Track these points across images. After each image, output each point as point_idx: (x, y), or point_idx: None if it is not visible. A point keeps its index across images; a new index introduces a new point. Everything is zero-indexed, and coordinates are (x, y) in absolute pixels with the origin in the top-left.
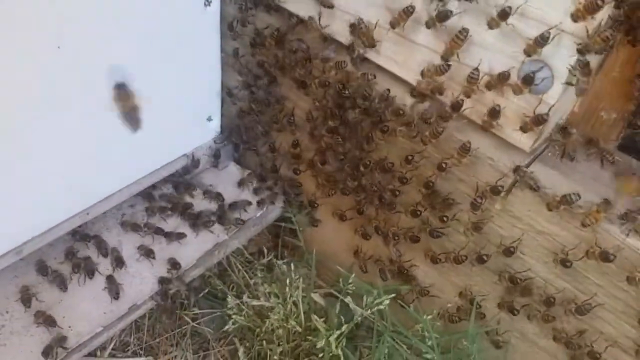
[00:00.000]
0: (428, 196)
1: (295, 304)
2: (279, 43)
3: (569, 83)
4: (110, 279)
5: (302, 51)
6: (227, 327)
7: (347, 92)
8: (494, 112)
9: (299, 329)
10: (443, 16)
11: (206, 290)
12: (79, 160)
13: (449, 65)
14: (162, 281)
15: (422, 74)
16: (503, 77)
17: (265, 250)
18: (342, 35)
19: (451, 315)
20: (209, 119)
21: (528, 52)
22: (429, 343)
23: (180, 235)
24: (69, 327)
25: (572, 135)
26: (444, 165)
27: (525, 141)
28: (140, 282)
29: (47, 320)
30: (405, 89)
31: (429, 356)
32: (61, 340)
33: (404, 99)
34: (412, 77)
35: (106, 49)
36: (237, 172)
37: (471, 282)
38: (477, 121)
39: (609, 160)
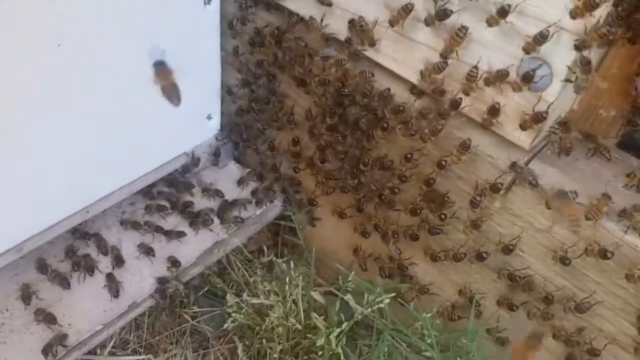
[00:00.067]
0: (426, 194)
1: (295, 302)
2: (278, 42)
3: (568, 80)
4: (110, 277)
5: (301, 49)
6: (226, 325)
7: (346, 89)
8: (494, 110)
9: (298, 327)
10: (442, 15)
11: (206, 289)
12: (79, 159)
13: (446, 63)
14: (160, 281)
15: (422, 73)
16: (502, 75)
17: (265, 249)
18: (342, 33)
19: (450, 313)
20: (209, 118)
21: (527, 50)
22: (429, 341)
23: (180, 234)
24: (69, 325)
25: (572, 131)
26: (443, 163)
27: (524, 139)
28: (140, 280)
29: (47, 317)
30: (404, 86)
31: (428, 354)
32: (61, 338)
33: (404, 97)
34: (412, 75)
35: (106, 49)
36: (237, 171)
37: (470, 280)
38: (477, 119)
39: (606, 157)
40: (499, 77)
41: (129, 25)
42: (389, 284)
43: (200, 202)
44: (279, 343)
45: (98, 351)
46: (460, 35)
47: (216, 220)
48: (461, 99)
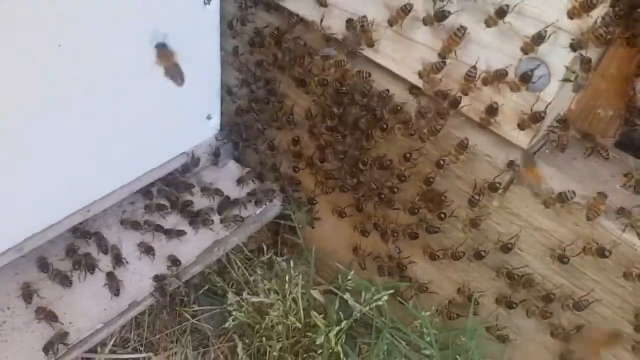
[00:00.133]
0: (424, 194)
1: (294, 300)
2: (278, 42)
3: (566, 80)
4: (110, 275)
5: (300, 49)
6: (226, 323)
7: (344, 89)
8: (492, 109)
9: (298, 325)
10: (440, 16)
11: (206, 287)
12: (79, 159)
13: (444, 63)
14: (158, 278)
15: (420, 74)
16: (501, 75)
17: (265, 248)
18: (342, 33)
19: (449, 311)
20: (209, 118)
21: (525, 50)
22: (428, 339)
23: (180, 233)
24: (70, 323)
25: (571, 129)
26: (442, 163)
27: (522, 138)
28: (140, 278)
29: (48, 315)
30: (403, 86)
31: (427, 352)
32: (62, 336)
33: (402, 97)
34: (410, 75)
35: (106, 49)
36: (237, 170)
37: (469, 278)
38: (475, 118)
39: (603, 157)
40: (497, 77)
41: (129, 26)
42: (387, 282)
43: (200, 202)
44: (279, 341)
45: (98, 349)
46: (458, 35)
47: (216, 220)
48: (460, 97)
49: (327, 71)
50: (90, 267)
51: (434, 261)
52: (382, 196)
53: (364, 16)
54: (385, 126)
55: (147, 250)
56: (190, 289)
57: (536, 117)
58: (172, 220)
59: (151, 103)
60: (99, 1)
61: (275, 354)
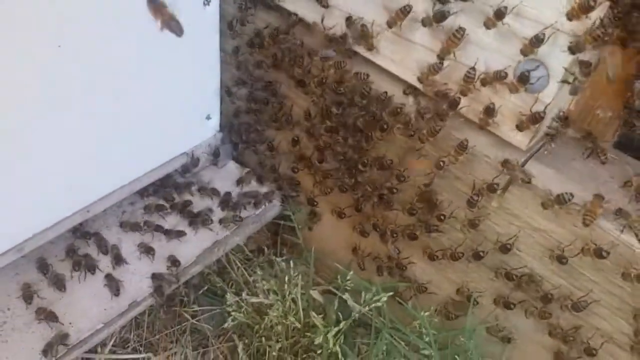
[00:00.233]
0: (422, 195)
1: (294, 301)
2: (278, 43)
3: (564, 81)
4: (110, 276)
5: (300, 50)
6: (226, 324)
7: (341, 89)
8: (489, 110)
9: (297, 325)
10: (440, 16)
11: (205, 288)
12: (79, 159)
13: (442, 64)
14: (154, 277)
15: (419, 79)
16: (499, 76)
17: (265, 248)
18: (341, 32)
19: (448, 311)
20: (208, 118)
21: (524, 53)
22: (427, 339)
23: (180, 233)
24: (70, 323)
25: (570, 128)
26: (441, 164)
27: (521, 139)
28: (140, 279)
29: (48, 316)
30: (402, 87)
31: (426, 352)
32: (62, 337)
33: (402, 98)
34: (409, 76)
35: (106, 49)
36: (236, 170)
37: (468, 279)
38: (474, 119)
39: (601, 160)
40: (496, 78)
41: (129, 26)
42: (386, 282)
43: (200, 202)
44: (278, 341)
45: (98, 349)
46: (457, 36)
47: (216, 220)
48: (460, 98)
49: (327, 72)
50: (90, 267)
51: (433, 261)
52: (384, 196)
53: (365, 22)
54: (385, 126)
55: (147, 250)
56: (190, 289)
57: (535, 118)
58: (172, 221)
59: (151, 103)
60: (99, 1)
61: (274, 354)
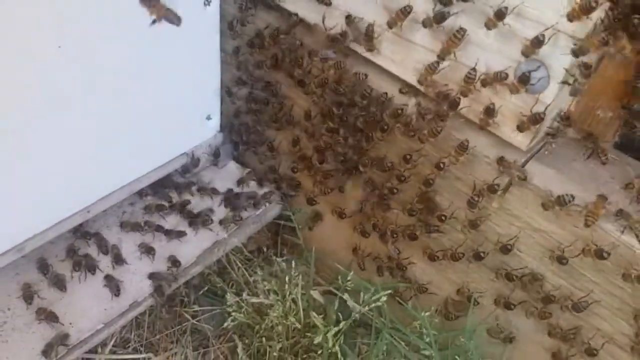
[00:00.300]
0: (422, 196)
1: (294, 301)
2: (278, 43)
3: (565, 82)
4: (110, 276)
5: (300, 50)
6: (226, 324)
7: (341, 89)
8: (489, 111)
9: (298, 325)
10: (440, 17)
11: (206, 288)
12: (79, 159)
13: (438, 64)
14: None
15: (419, 81)
16: (500, 78)
17: (265, 248)
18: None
19: (448, 312)
20: (209, 118)
21: (526, 54)
22: (427, 340)
23: (180, 233)
24: (70, 323)
25: (569, 129)
26: (442, 165)
27: (522, 140)
28: (141, 279)
29: (49, 316)
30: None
31: (427, 352)
32: (63, 337)
33: (402, 99)
34: (410, 76)
35: (106, 49)
36: (237, 171)
37: (468, 279)
38: (475, 120)
39: (601, 161)
40: (497, 79)
41: (129, 26)
42: (386, 282)
43: (200, 202)
44: (279, 342)
45: (99, 349)
46: (457, 37)
47: (216, 220)
48: (460, 99)
49: (327, 72)
50: (91, 267)
51: (434, 262)
52: (385, 197)
53: (365, 21)
54: (385, 127)
55: (148, 250)
56: (190, 290)
57: (535, 119)
58: (172, 221)
59: (151, 103)
60: (99, 1)
61: (275, 354)
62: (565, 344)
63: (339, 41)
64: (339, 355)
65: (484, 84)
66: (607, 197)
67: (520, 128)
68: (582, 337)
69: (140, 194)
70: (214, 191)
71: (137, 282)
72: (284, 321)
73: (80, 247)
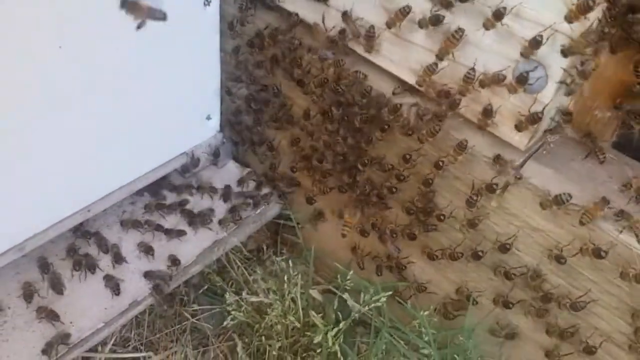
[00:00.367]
0: (422, 196)
1: (293, 300)
2: (277, 42)
3: (563, 82)
4: (110, 275)
5: (299, 50)
6: (226, 323)
7: (340, 88)
8: (487, 112)
9: (297, 324)
10: (435, 20)
11: (205, 287)
12: (79, 159)
13: (437, 65)
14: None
15: (418, 82)
16: (498, 79)
17: (264, 247)
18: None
19: (447, 311)
20: (208, 118)
21: (525, 54)
22: (426, 339)
23: (180, 233)
24: (71, 322)
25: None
26: (440, 164)
27: (520, 139)
28: (141, 278)
29: (50, 315)
30: (401, 88)
31: (426, 351)
32: (63, 336)
33: (403, 99)
34: (408, 76)
35: (106, 49)
36: (237, 170)
37: (467, 279)
38: (473, 120)
39: (600, 160)
40: (495, 79)
41: (129, 26)
42: (386, 282)
43: (200, 202)
44: (278, 341)
45: (99, 349)
46: (456, 37)
47: (215, 220)
48: (459, 99)
49: (326, 72)
50: (91, 267)
51: (433, 261)
52: (384, 197)
53: (365, 22)
54: (386, 127)
55: (147, 250)
56: (190, 289)
57: (534, 119)
58: (172, 220)
59: (151, 103)
60: (99, 1)
61: (274, 353)
62: (563, 341)
63: (338, 42)
64: (339, 354)
65: (483, 84)
66: (609, 201)
67: (519, 128)
68: (581, 336)
69: (142, 193)
70: (213, 190)
71: (137, 281)
72: (284, 320)
73: (80, 246)
